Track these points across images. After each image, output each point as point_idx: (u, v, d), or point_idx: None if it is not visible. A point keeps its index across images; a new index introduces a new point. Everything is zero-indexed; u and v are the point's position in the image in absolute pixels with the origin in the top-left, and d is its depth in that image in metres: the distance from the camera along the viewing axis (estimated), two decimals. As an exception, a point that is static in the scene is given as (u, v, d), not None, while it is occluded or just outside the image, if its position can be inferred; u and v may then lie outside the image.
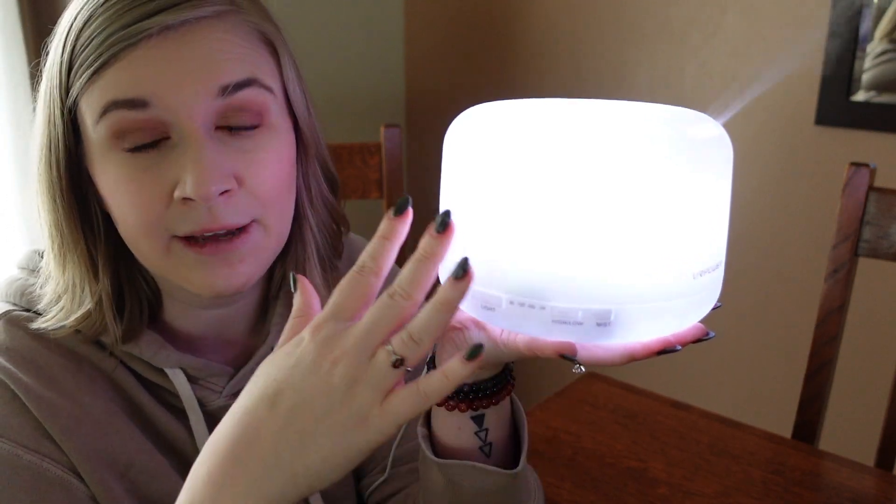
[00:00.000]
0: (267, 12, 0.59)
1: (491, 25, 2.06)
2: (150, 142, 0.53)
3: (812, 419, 1.07)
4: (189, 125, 0.52)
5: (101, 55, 0.51)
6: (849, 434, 1.51)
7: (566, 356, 0.42)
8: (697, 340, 0.44)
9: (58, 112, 0.54)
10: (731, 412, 1.11)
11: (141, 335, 0.60)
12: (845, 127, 1.53)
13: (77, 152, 0.56)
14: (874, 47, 1.46)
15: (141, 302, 0.61)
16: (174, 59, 0.52)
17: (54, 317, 0.58)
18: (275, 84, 0.57)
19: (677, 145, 0.40)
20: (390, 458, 0.71)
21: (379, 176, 1.27)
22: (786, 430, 1.09)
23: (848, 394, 1.52)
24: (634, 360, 0.43)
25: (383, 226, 0.44)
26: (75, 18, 0.54)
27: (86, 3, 0.54)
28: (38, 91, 0.57)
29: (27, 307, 0.60)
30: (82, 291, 0.58)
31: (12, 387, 0.56)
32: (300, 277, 0.48)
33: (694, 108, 0.48)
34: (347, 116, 2.08)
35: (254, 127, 0.55)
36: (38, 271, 0.61)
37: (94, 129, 0.53)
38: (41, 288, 0.59)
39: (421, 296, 0.43)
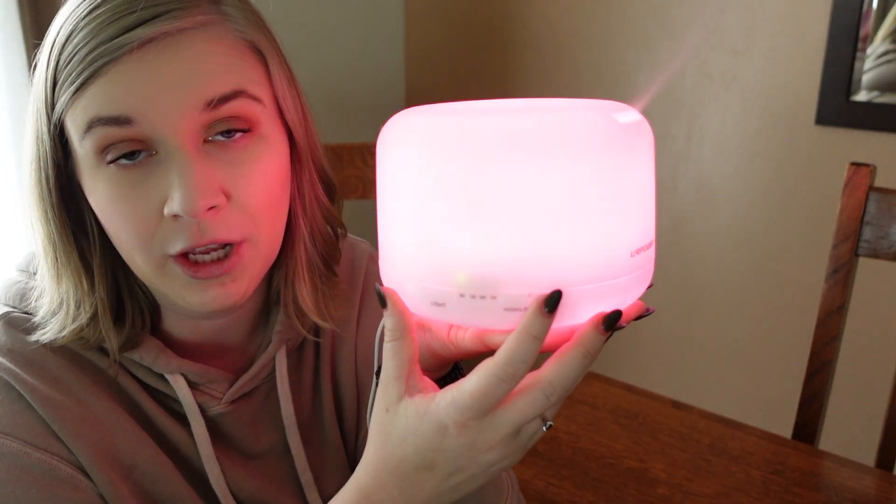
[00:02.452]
0: (258, 18, 0.58)
1: (491, 25, 2.06)
2: (136, 157, 0.52)
3: (812, 419, 1.07)
4: (174, 141, 0.51)
5: (83, 71, 0.50)
6: (849, 434, 1.51)
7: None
8: (639, 317, 0.45)
9: (45, 128, 0.54)
10: (731, 412, 1.11)
11: (142, 342, 0.60)
12: (845, 127, 1.53)
13: (67, 167, 0.55)
14: (875, 48, 1.46)
15: (141, 310, 0.61)
16: (156, 74, 0.50)
17: (51, 329, 0.57)
18: (264, 93, 0.56)
19: (607, 131, 0.42)
20: None
21: (379, 176, 1.27)
22: (786, 430, 1.09)
23: (848, 394, 1.52)
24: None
25: (534, 323, 0.41)
26: (59, 33, 0.53)
27: (69, 17, 0.52)
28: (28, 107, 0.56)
29: (26, 310, 0.60)
30: (78, 303, 0.57)
31: (17, 387, 0.56)
32: (389, 293, 0.46)
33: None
34: (347, 116, 2.08)
35: (242, 138, 0.54)
36: (37, 275, 0.61)
37: (80, 145, 0.53)
38: (37, 300, 0.59)
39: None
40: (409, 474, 0.46)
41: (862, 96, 1.50)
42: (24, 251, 0.65)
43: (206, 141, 0.53)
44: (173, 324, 0.62)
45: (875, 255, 1.02)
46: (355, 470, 0.50)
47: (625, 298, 0.44)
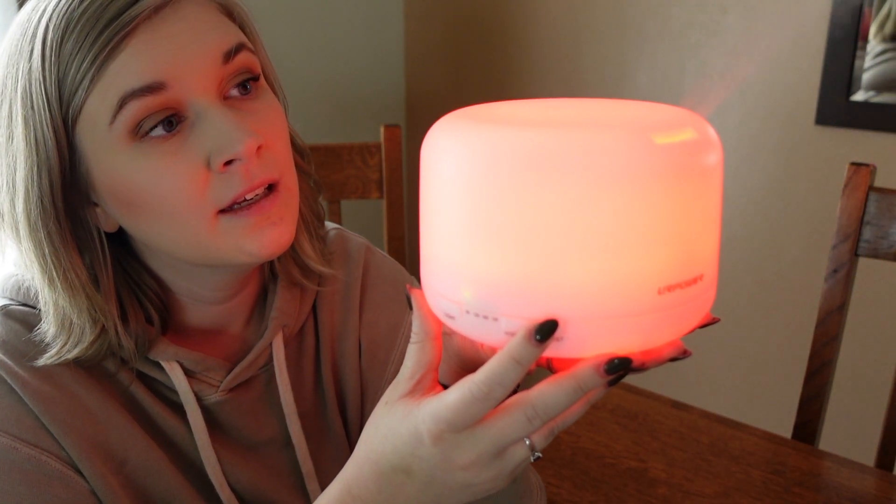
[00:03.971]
0: None
1: (491, 25, 2.06)
2: (168, 123, 0.53)
3: (812, 419, 1.07)
4: (205, 99, 0.53)
5: (101, 51, 0.51)
6: (849, 434, 1.51)
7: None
8: (675, 359, 0.42)
9: (50, 131, 0.52)
10: (731, 412, 1.11)
11: (157, 343, 0.60)
12: (845, 127, 1.53)
13: (76, 171, 0.55)
14: (874, 47, 1.46)
15: (146, 313, 0.60)
16: (175, 37, 0.52)
17: (64, 349, 0.57)
18: (254, 49, 0.59)
19: (633, 155, 0.38)
20: None
21: (379, 176, 1.27)
22: (786, 430, 1.09)
23: (848, 394, 1.52)
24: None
25: (520, 348, 0.40)
26: (45, 36, 0.52)
27: (52, 19, 0.52)
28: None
29: (24, 302, 0.60)
30: (92, 319, 0.56)
31: (9, 380, 0.55)
32: (415, 295, 0.46)
33: (693, 109, 0.47)
34: (347, 116, 2.08)
35: (254, 81, 0.58)
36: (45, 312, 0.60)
37: (109, 130, 0.52)
38: (44, 321, 0.57)
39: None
40: (387, 473, 0.46)
41: (861, 96, 1.50)
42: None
43: (226, 97, 0.56)
44: (176, 310, 0.63)
45: (875, 255, 1.02)
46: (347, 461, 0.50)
47: (648, 338, 0.40)
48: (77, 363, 0.58)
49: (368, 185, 1.27)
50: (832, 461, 0.96)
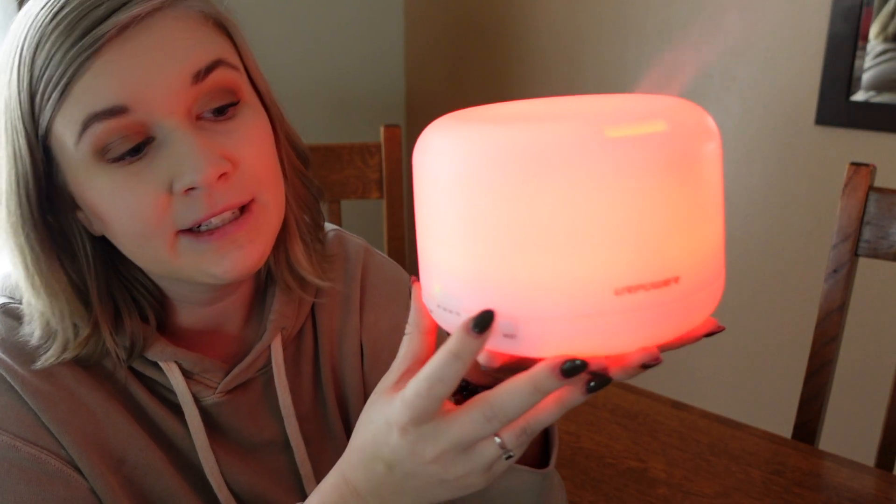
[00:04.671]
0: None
1: (491, 25, 2.06)
2: (135, 148, 0.52)
3: (812, 419, 1.07)
4: (171, 120, 0.52)
5: (65, 71, 0.50)
6: (849, 434, 1.51)
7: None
8: (646, 366, 0.39)
9: (23, 144, 0.53)
10: (731, 412, 1.11)
11: (153, 342, 0.60)
12: (845, 127, 1.53)
13: (52, 180, 0.55)
14: (874, 47, 1.46)
15: (138, 304, 0.61)
16: (140, 57, 0.51)
17: (52, 354, 0.57)
18: (238, 62, 0.57)
19: (580, 147, 0.36)
20: None
21: (379, 176, 1.27)
22: (786, 430, 1.09)
23: (848, 394, 1.52)
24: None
25: (458, 342, 0.40)
26: (23, 48, 0.52)
27: (29, 30, 0.52)
28: None
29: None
30: (74, 323, 0.57)
31: (9, 378, 0.56)
32: (415, 285, 0.46)
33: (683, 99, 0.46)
34: (347, 116, 2.08)
35: (231, 106, 0.56)
36: (22, 301, 0.60)
37: (76, 149, 0.52)
38: (27, 325, 0.58)
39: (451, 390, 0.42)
40: (370, 462, 0.46)
41: (861, 96, 1.50)
42: None
43: (198, 118, 0.54)
44: (170, 312, 0.62)
45: (875, 255, 1.02)
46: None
47: (612, 342, 0.38)
48: (76, 361, 0.58)
49: (368, 185, 1.27)
50: (832, 461, 0.96)
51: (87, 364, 0.59)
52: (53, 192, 0.55)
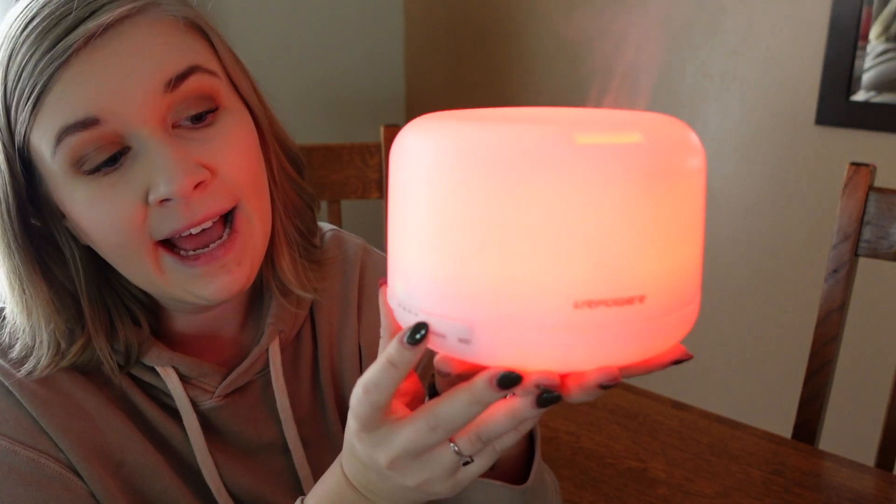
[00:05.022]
0: (188, 2, 0.58)
1: (491, 25, 2.06)
2: (111, 158, 0.51)
3: (812, 419, 1.07)
4: (144, 129, 0.51)
5: (35, 84, 0.49)
6: (849, 434, 1.51)
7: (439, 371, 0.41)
8: (605, 386, 0.37)
9: (2, 158, 0.52)
10: (731, 412, 1.11)
11: (149, 348, 0.60)
12: (845, 127, 1.53)
13: (37, 191, 0.54)
14: (875, 47, 1.46)
15: (130, 311, 0.60)
16: (110, 67, 0.50)
17: (34, 365, 0.56)
18: (215, 67, 0.56)
19: (548, 150, 0.35)
20: None
21: (379, 176, 1.27)
22: (786, 430, 1.09)
23: (848, 394, 1.52)
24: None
25: (395, 351, 0.40)
26: None
27: (3, 43, 0.51)
28: None
29: None
30: (61, 334, 0.56)
31: (6, 384, 0.56)
32: (382, 289, 0.46)
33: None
34: (347, 116, 2.08)
35: (209, 113, 0.54)
36: (5, 310, 0.60)
37: (52, 161, 0.51)
38: (10, 337, 0.57)
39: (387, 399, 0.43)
40: (351, 460, 0.47)
41: (861, 96, 1.50)
42: None
43: (175, 126, 0.53)
44: (165, 317, 0.62)
45: (875, 255, 1.02)
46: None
47: (569, 358, 0.37)
48: (74, 368, 0.58)
49: (368, 185, 1.27)
50: (832, 461, 0.96)
51: (85, 370, 0.59)
52: (41, 202, 0.55)
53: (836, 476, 0.93)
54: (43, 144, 0.51)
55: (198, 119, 0.54)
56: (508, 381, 0.37)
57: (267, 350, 0.65)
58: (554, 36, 1.94)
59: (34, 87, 0.50)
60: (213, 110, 0.55)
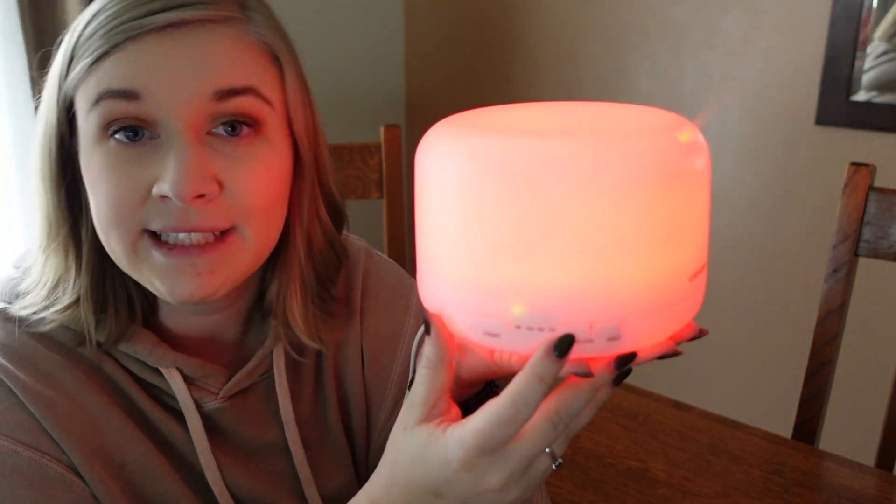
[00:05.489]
0: (279, 26, 0.59)
1: (491, 25, 2.06)
2: (138, 136, 0.53)
3: (812, 419, 1.07)
4: (178, 125, 0.52)
5: (101, 46, 0.52)
6: (849, 434, 1.51)
7: (580, 373, 0.43)
8: (692, 338, 0.45)
9: (55, 100, 0.55)
10: (731, 412, 1.11)
11: (136, 335, 0.60)
12: (845, 127, 1.53)
13: (71, 144, 0.56)
14: (875, 47, 1.46)
15: (131, 301, 0.60)
16: (170, 56, 0.52)
17: (31, 304, 0.58)
18: (275, 98, 0.56)
19: (669, 156, 0.40)
20: None
21: (379, 176, 1.27)
22: (786, 430, 1.09)
23: (848, 394, 1.52)
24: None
25: (541, 365, 0.41)
26: (80, 21, 0.55)
27: (94, 3, 0.55)
28: (45, 82, 0.57)
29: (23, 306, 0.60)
30: (62, 284, 0.58)
31: (8, 383, 0.56)
32: (434, 320, 0.46)
33: (693, 108, 0.48)
34: (347, 116, 2.08)
35: (246, 135, 0.55)
36: (31, 269, 0.61)
37: (86, 119, 0.54)
38: (26, 273, 0.60)
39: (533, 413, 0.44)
40: (417, 495, 0.48)
41: (862, 96, 1.50)
42: (21, 249, 0.65)
43: (209, 133, 0.54)
44: (168, 317, 0.62)
45: (875, 255, 1.02)
46: (368, 479, 0.51)
47: (681, 323, 0.44)
48: (67, 350, 0.58)
49: (368, 185, 1.27)
50: (832, 461, 0.96)
51: (69, 342, 0.59)
52: (73, 160, 0.57)
53: (836, 476, 0.93)
54: (83, 101, 0.54)
55: (233, 130, 0.55)
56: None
57: (271, 352, 0.65)
58: (554, 36, 1.94)
59: (98, 48, 0.52)
60: (251, 126, 0.55)
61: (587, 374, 0.42)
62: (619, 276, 0.40)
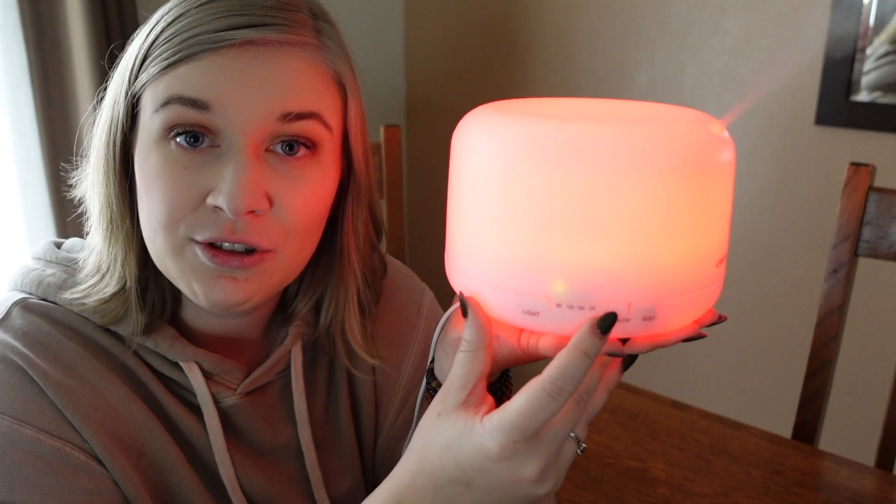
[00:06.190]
0: (348, 55, 0.61)
1: (491, 25, 2.06)
2: (199, 143, 0.54)
3: (812, 419, 1.07)
4: (240, 140, 0.53)
5: (179, 51, 0.53)
6: (849, 434, 1.51)
7: (613, 353, 0.44)
8: (712, 324, 0.47)
9: (123, 95, 0.56)
10: (731, 412, 1.11)
11: (158, 329, 0.61)
12: (845, 127, 1.53)
13: (131, 139, 0.57)
14: (876, 48, 1.46)
15: (164, 298, 0.62)
16: (245, 73, 0.53)
17: (86, 287, 0.59)
18: (335, 124, 0.58)
19: (707, 145, 0.43)
20: None
21: (379, 176, 1.27)
22: (786, 430, 1.09)
23: (848, 394, 1.52)
24: (660, 347, 0.46)
25: (587, 341, 0.43)
26: (169, 12, 0.56)
27: (183, 1, 0.56)
28: (114, 71, 0.59)
29: (43, 297, 0.60)
30: (118, 271, 0.59)
31: (30, 372, 0.56)
32: (472, 303, 0.47)
33: (694, 108, 0.50)
34: (347, 116, 2.08)
35: (303, 156, 0.56)
36: (54, 262, 0.62)
37: (150, 119, 0.54)
38: (83, 261, 0.60)
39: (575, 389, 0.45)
40: (444, 485, 0.48)
41: (862, 96, 1.50)
42: (42, 242, 0.65)
43: (267, 149, 0.55)
44: (191, 314, 0.63)
45: (875, 255, 1.02)
46: (393, 469, 0.51)
47: (706, 307, 0.46)
48: (88, 341, 0.59)
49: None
50: (832, 461, 0.96)
51: (103, 325, 0.60)
52: (129, 150, 0.58)
53: (836, 476, 0.93)
54: (151, 102, 0.54)
55: (291, 151, 0.56)
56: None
57: (289, 351, 0.66)
58: (554, 36, 1.94)
59: (175, 53, 0.53)
60: (309, 148, 0.57)
61: (619, 355, 0.44)
62: (657, 258, 0.42)
